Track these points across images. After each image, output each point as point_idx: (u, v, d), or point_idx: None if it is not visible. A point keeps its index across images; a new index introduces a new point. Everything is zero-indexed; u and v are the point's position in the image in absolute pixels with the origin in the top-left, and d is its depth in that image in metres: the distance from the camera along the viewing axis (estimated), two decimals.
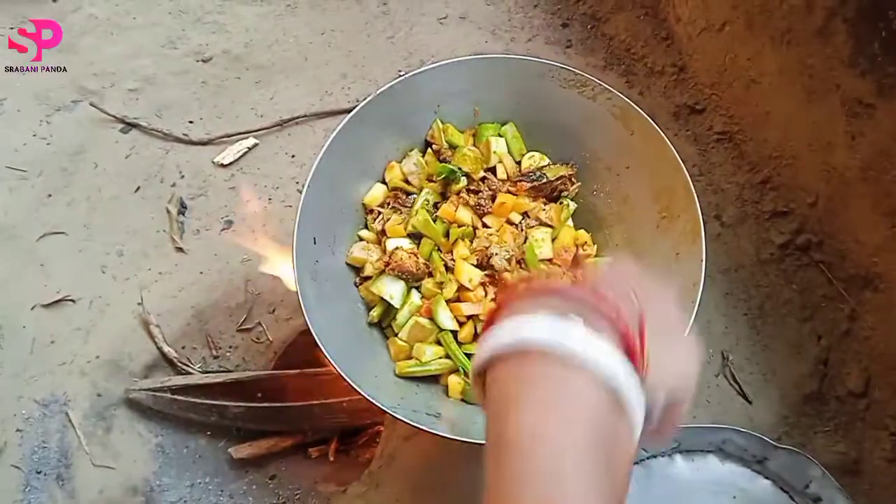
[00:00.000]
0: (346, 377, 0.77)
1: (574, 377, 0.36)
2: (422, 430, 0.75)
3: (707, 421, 0.98)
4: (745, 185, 1.11)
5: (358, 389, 0.77)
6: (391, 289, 0.87)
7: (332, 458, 1.04)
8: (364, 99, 0.89)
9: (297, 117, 1.25)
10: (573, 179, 0.95)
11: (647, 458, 0.94)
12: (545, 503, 0.34)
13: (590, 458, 0.35)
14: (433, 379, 0.88)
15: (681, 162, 0.86)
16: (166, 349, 1.05)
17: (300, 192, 0.85)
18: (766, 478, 0.92)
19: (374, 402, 0.76)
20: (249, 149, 1.23)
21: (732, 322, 1.04)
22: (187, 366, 1.04)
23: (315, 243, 0.87)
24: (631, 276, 0.44)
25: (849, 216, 0.97)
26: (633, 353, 0.39)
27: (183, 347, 1.06)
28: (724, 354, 1.02)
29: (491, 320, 0.41)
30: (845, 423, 0.97)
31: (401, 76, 0.91)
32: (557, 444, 0.35)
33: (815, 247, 1.04)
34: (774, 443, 0.91)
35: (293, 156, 1.21)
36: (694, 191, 0.85)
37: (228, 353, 1.07)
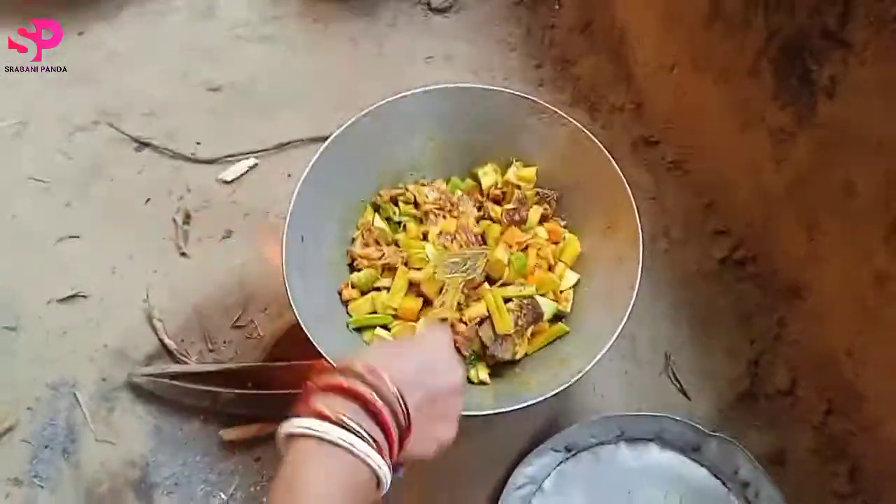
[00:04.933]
0: (328, 358, 0.86)
1: (337, 453, 0.52)
2: None
3: None
4: (691, 208, 1.22)
5: (332, 361, 0.85)
6: None
7: None
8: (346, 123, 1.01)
9: (294, 141, 1.37)
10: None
11: (596, 446, 1.02)
12: None
13: (336, 499, 0.51)
14: None
15: (624, 180, 0.95)
16: (167, 341, 1.14)
17: None
18: (702, 465, 1.00)
19: None
20: (250, 168, 1.35)
21: (676, 327, 1.14)
22: (185, 357, 1.14)
23: (302, 241, 0.97)
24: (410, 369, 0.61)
25: (778, 232, 1.07)
26: (388, 433, 0.55)
27: (182, 341, 1.15)
28: (668, 355, 1.11)
29: (304, 400, 0.57)
30: (774, 419, 1.05)
31: (383, 101, 1.04)
32: (318, 492, 0.51)
33: (750, 261, 1.14)
34: (706, 430, 1.00)
35: (289, 175, 1.33)
36: (634, 205, 0.94)
37: (223, 347, 1.16)
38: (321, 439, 0.52)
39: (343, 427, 0.53)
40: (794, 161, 1.00)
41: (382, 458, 0.54)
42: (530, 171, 1.07)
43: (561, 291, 1.02)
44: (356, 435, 0.53)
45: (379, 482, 0.55)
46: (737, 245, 1.16)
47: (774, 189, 1.05)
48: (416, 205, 1.07)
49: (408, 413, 0.57)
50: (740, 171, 1.13)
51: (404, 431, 0.58)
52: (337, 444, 0.52)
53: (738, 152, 1.12)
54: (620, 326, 0.88)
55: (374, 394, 0.56)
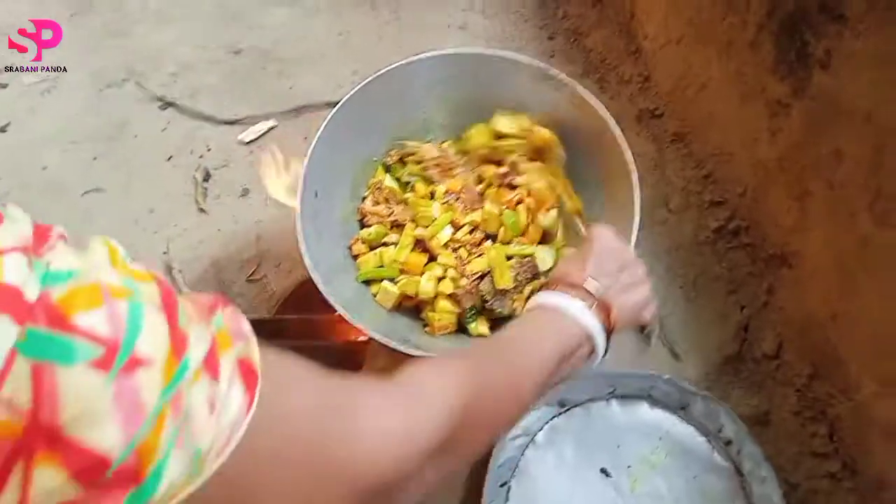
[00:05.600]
0: (330, 299, 0.90)
1: (564, 319, 0.70)
2: (397, 350, 0.88)
3: None
4: (691, 179, 1.25)
5: (340, 310, 0.89)
6: None
7: None
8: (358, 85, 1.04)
9: (312, 105, 1.42)
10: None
11: (588, 402, 1.06)
12: (503, 364, 0.63)
13: (547, 351, 0.66)
14: (415, 315, 1.05)
15: (626, 146, 0.97)
16: (185, 291, 1.21)
17: None
18: (688, 423, 1.04)
19: (354, 321, 0.89)
20: (269, 129, 1.40)
21: (670, 293, 1.17)
22: None
23: (316, 197, 1.01)
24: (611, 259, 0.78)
25: (769, 203, 1.10)
26: (604, 312, 0.72)
27: (199, 291, 1.22)
28: (660, 319, 1.14)
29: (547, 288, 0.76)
30: (759, 382, 1.09)
31: (397, 64, 1.07)
32: (529, 339, 0.68)
33: (743, 231, 1.17)
34: (693, 390, 1.04)
35: (306, 137, 1.37)
36: (635, 171, 0.96)
37: (238, 300, 1.20)
38: (540, 307, 0.72)
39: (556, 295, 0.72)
40: (788, 132, 1.02)
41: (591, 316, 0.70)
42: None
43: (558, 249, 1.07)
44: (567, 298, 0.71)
45: (591, 339, 0.70)
46: (731, 215, 1.19)
47: (768, 159, 1.08)
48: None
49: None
50: (737, 142, 1.16)
51: (607, 293, 0.73)
52: (548, 306, 0.71)
53: (738, 124, 1.14)
54: None
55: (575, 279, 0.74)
